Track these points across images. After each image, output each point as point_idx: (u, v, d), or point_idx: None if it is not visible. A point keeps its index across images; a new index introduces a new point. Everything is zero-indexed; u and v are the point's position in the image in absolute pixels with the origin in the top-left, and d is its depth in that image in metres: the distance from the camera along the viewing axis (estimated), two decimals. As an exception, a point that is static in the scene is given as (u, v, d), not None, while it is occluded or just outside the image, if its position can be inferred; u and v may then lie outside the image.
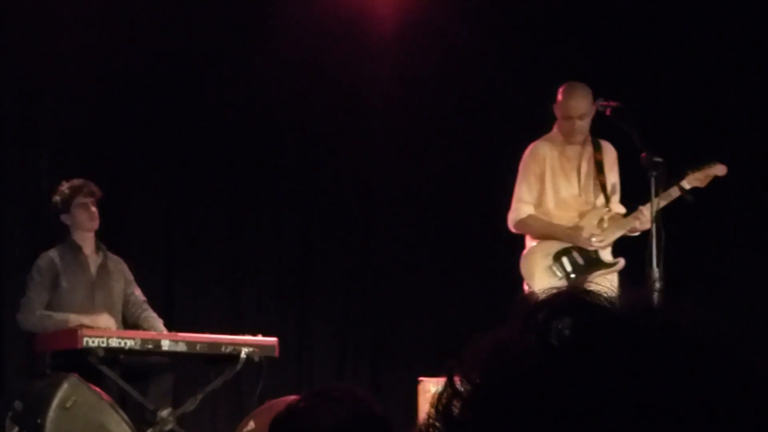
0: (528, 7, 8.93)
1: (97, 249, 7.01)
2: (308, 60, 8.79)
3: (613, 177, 6.64)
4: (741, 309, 7.92)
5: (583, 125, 6.50)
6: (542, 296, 0.81)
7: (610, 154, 6.67)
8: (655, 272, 6.06)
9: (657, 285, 5.91)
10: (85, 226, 6.92)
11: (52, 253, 6.91)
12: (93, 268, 6.97)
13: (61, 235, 7.00)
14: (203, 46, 8.52)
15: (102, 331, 6.50)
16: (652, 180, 6.25)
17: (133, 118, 8.34)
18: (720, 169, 6.54)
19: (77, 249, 6.93)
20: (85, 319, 6.68)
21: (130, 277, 7.12)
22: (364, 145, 8.98)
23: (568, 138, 6.56)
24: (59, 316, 6.71)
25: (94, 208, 6.92)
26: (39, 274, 6.85)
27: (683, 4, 8.67)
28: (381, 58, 8.96)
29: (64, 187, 6.92)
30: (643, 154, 6.30)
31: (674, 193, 6.38)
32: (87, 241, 6.96)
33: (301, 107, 8.82)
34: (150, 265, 7.35)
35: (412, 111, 8.97)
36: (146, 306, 7.04)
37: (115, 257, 7.11)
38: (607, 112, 6.42)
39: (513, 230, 6.65)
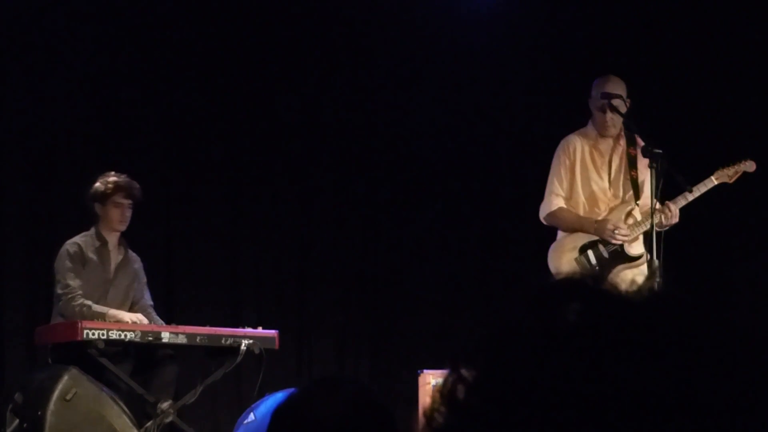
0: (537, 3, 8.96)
1: (120, 244, 7.00)
2: (310, 57, 8.80)
3: (646, 172, 6.62)
4: (743, 302, 7.94)
5: (617, 117, 6.48)
6: (548, 282, 0.81)
7: None
8: (656, 264, 6.08)
9: (658, 277, 5.93)
10: (114, 226, 6.91)
11: (79, 241, 6.88)
12: (113, 265, 6.95)
13: (88, 221, 6.98)
14: (202, 42, 8.52)
15: (102, 324, 6.50)
16: (652, 172, 6.26)
17: (133, 111, 8.34)
18: (750, 165, 6.57)
19: (103, 242, 6.91)
20: (120, 315, 6.70)
21: (144, 279, 7.11)
22: (364, 135, 8.99)
23: (601, 130, 6.56)
24: (98, 308, 6.71)
25: (129, 211, 6.91)
26: (71, 260, 6.81)
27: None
28: (384, 54, 8.96)
29: (109, 179, 6.88)
30: (643, 145, 6.33)
31: (703, 188, 6.41)
32: (112, 235, 6.96)
33: (299, 102, 8.82)
34: (150, 257, 7.33)
35: (411, 100, 8.98)
36: (152, 310, 7.03)
37: (134, 255, 7.10)
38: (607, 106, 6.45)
39: (544, 222, 6.69)
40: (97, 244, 6.90)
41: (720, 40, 8.55)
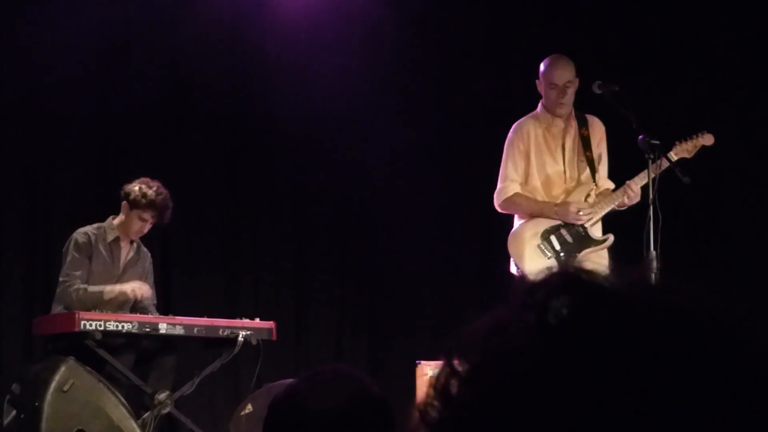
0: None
1: (133, 240, 6.97)
2: (306, 56, 8.79)
3: (600, 152, 6.60)
4: (739, 292, 7.93)
5: (568, 96, 6.46)
6: (539, 275, 0.81)
7: (597, 129, 6.62)
8: (653, 255, 6.03)
9: (654, 267, 5.90)
10: (128, 234, 6.87)
11: (91, 232, 6.83)
12: (122, 260, 6.91)
13: (107, 209, 6.92)
14: (200, 41, 8.51)
15: (99, 315, 6.50)
16: (650, 162, 6.23)
17: (132, 108, 8.33)
18: (707, 139, 6.48)
19: (115, 238, 6.86)
20: (117, 288, 6.67)
21: (152, 276, 7.09)
22: (359, 131, 8.98)
23: (553, 110, 6.50)
24: (94, 288, 6.69)
25: (148, 227, 6.84)
26: (77, 250, 6.76)
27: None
28: (378, 54, 8.95)
29: (149, 191, 6.73)
30: (641, 137, 6.28)
31: (663, 164, 6.30)
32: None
33: (295, 97, 8.81)
34: (147, 248, 7.33)
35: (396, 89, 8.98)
36: (153, 309, 7.01)
37: (145, 251, 7.06)
38: (605, 96, 6.40)
39: (499, 210, 6.60)
40: (110, 238, 6.85)
41: (675, 10, 8.53)
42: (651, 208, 6.13)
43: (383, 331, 9.00)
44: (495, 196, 6.59)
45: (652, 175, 6.19)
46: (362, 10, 8.85)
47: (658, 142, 6.21)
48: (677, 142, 6.43)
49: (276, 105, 8.79)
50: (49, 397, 5.83)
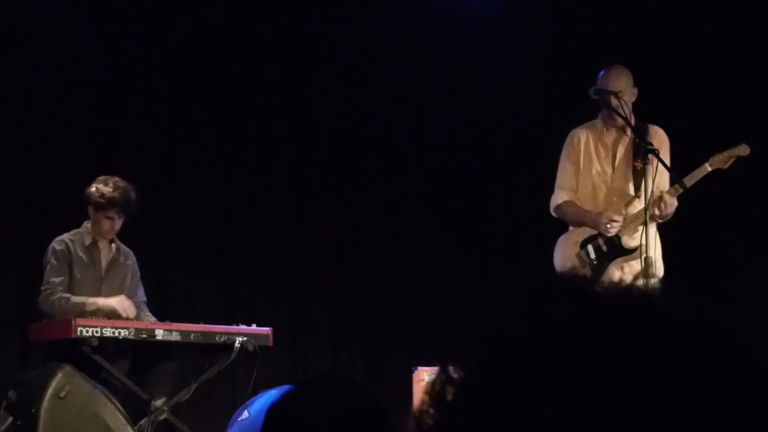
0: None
1: (110, 240, 6.96)
2: (306, 53, 8.80)
3: (662, 159, 6.53)
4: (739, 299, 7.93)
5: (622, 105, 6.39)
6: (537, 282, 0.81)
7: (656, 138, 6.53)
8: (652, 259, 6.04)
9: (653, 271, 5.91)
10: (101, 234, 6.86)
11: (68, 239, 6.83)
12: (104, 262, 6.91)
13: (80, 215, 6.94)
14: (199, 37, 8.51)
15: (96, 321, 6.49)
16: (647, 168, 6.23)
17: (128, 108, 8.33)
18: (743, 150, 6.43)
19: (92, 242, 6.86)
20: (100, 301, 6.67)
21: (137, 274, 7.08)
22: (359, 133, 8.98)
23: (606, 118, 6.52)
24: (77, 299, 6.68)
25: (120, 222, 6.83)
26: (56, 258, 6.77)
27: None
28: (379, 53, 8.96)
29: (105, 189, 6.73)
30: (636, 141, 6.30)
31: (698, 175, 6.28)
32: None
33: (296, 97, 8.82)
34: (144, 254, 7.33)
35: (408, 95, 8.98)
36: (144, 307, 7.01)
37: (126, 250, 7.05)
38: (600, 101, 6.42)
39: (553, 215, 6.70)
40: (87, 242, 6.87)
41: (712, 24, 8.54)
42: (647, 214, 6.14)
43: (380, 336, 9.00)
44: (550, 202, 6.69)
45: (651, 182, 6.22)
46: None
47: (654, 147, 6.21)
48: (714, 153, 6.39)
49: (270, 103, 8.78)
50: (45, 403, 5.82)
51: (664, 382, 0.76)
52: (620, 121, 6.46)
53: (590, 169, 6.58)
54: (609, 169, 6.58)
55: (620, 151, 6.56)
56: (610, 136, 6.58)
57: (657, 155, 6.22)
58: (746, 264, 8.35)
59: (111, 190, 6.75)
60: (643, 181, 6.31)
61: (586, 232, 6.55)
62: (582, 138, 6.60)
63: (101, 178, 6.83)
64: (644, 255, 6.13)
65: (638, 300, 0.80)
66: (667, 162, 6.46)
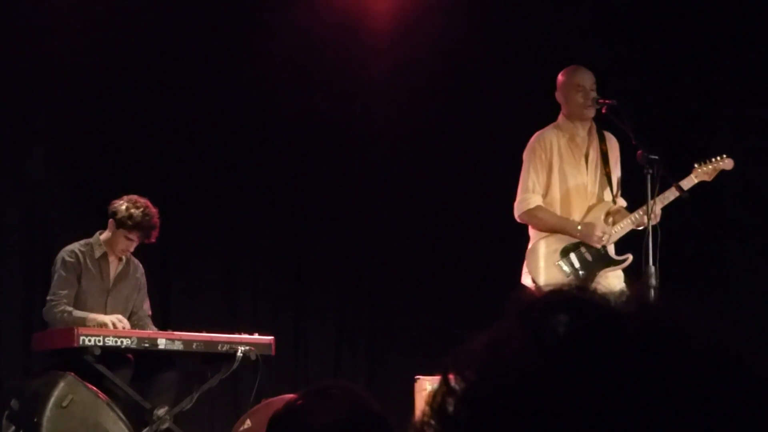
0: (523, 3, 8.95)
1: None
2: (305, 59, 8.79)
3: (617, 170, 6.54)
4: (739, 307, 7.93)
5: (594, 98, 6.35)
6: (537, 293, 0.81)
7: (614, 147, 6.54)
8: (652, 270, 5.99)
9: (653, 282, 5.88)
10: (115, 252, 6.87)
11: (78, 250, 6.82)
12: (112, 274, 6.90)
13: (85, 225, 6.92)
14: (200, 43, 8.52)
15: (98, 330, 6.50)
16: (648, 177, 6.19)
17: (130, 116, 8.33)
18: (728, 164, 6.43)
19: (102, 254, 6.85)
20: (100, 318, 6.67)
21: (144, 288, 7.07)
22: (360, 142, 8.98)
23: (581, 113, 6.37)
24: (79, 313, 6.69)
25: (134, 246, 6.84)
26: (65, 269, 6.77)
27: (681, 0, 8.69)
28: (378, 56, 8.96)
29: (135, 212, 6.72)
30: (640, 152, 6.25)
31: (684, 186, 6.27)
32: None
33: (298, 106, 8.82)
34: (146, 263, 7.32)
35: (407, 104, 8.98)
36: (148, 320, 7.01)
37: (136, 262, 7.05)
38: (603, 110, 6.37)
39: (519, 220, 6.47)
40: (98, 254, 6.86)
41: (695, 34, 8.54)
42: (650, 222, 6.12)
43: (382, 346, 8.99)
44: (515, 206, 6.45)
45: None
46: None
47: (657, 157, 6.17)
48: (696, 165, 6.40)
49: (275, 116, 8.79)
50: (48, 412, 5.83)
51: (666, 396, 0.76)
52: (592, 111, 6.37)
53: (563, 172, 6.42)
54: (584, 172, 6.46)
55: (592, 154, 6.48)
56: (581, 137, 6.46)
57: (660, 165, 6.20)
58: (742, 270, 8.33)
59: (141, 214, 6.74)
60: (620, 189, 6.36)
61: (563, 239, 6.38)
62: (553, 140, 6.42)
63: (132, 197, 6.81)
64: (646, 265, 6.08)
65: (639, 313, 0.80)
66: (619, 171, 6.50)
